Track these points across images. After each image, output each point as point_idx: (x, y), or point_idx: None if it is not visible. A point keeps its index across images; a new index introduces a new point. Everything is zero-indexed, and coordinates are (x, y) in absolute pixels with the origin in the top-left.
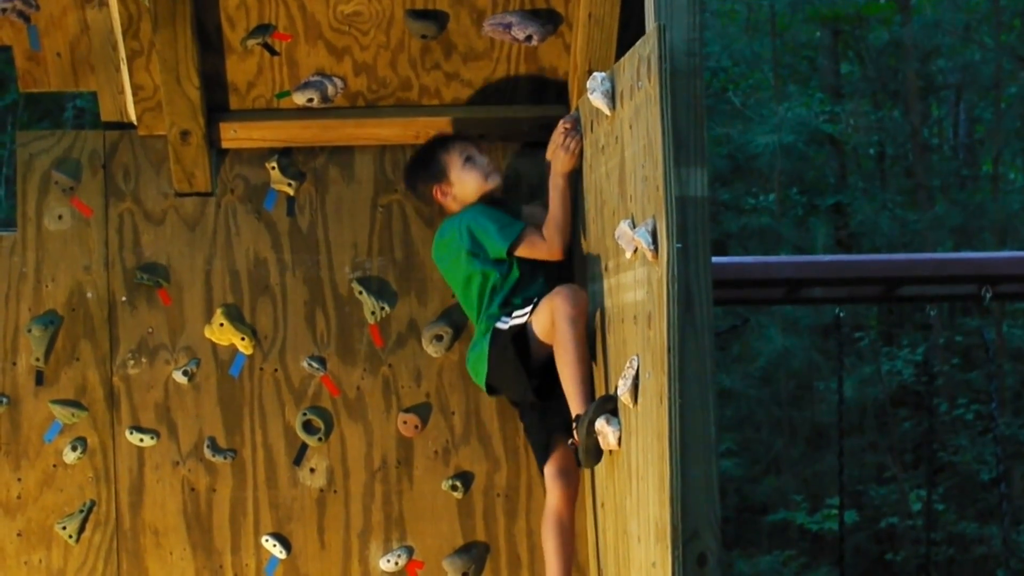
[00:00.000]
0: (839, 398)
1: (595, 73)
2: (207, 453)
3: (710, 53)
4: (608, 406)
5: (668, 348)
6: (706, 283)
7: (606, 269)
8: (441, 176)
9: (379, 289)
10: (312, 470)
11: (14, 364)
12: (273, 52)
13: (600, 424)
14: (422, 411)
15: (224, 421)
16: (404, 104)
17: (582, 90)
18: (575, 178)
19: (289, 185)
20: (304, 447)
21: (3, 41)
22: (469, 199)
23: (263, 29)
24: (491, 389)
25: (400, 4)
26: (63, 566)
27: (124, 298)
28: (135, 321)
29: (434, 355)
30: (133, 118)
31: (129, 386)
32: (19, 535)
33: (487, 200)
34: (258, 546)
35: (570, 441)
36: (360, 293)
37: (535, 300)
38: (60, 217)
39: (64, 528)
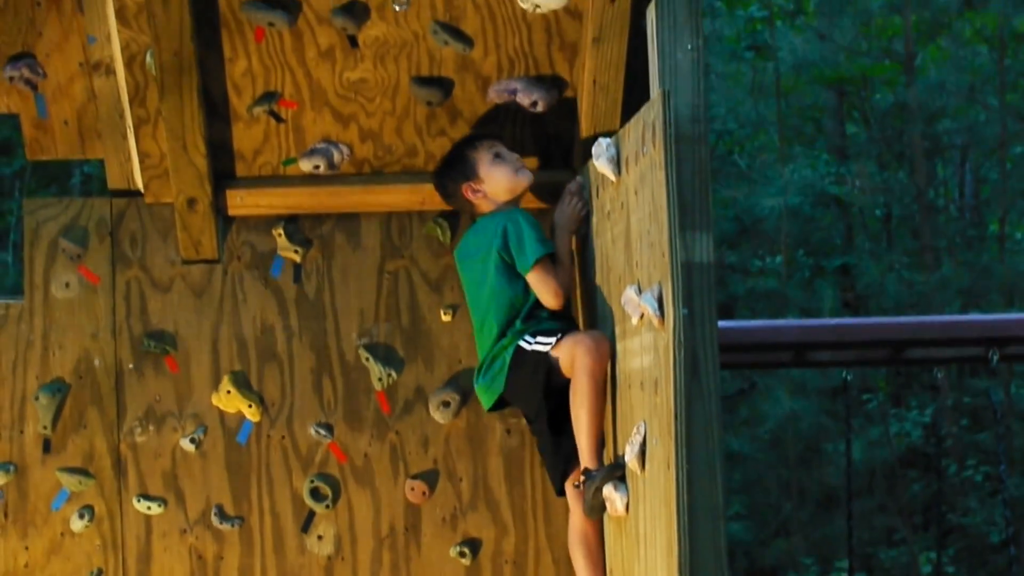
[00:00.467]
0: (847, 460)
1: (600, 139)
2: (214, 521)
3: (715, 115)
4: (616, 473)
5: (675, 415)
6: (712, 348)
7: (613, 335)
8: (471, 173)
9: (386, 355)
10: (320, 537)
11: (21, 432)
12: (279, 119)
13: (608, 490)
14: (430, 477)
15: (231, 488)
16: (410, 171)
17: (587, 155)
18: (580, 240)
19: (296, 252)
20: (312, 514)
21: (11, 109)
22: (501, 197)
23: (269, 96)
24: (499, 403)
25: (405, 71)
26: None
27: (131, 365)
28: (142, 388)
29: (441, 421)
30: (140, 186)
31: (136, 454)
32: None
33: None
34: None
35: (576, 483)
36: (367, 359)
37: (559, 330)
38: (67, 285)
39: None
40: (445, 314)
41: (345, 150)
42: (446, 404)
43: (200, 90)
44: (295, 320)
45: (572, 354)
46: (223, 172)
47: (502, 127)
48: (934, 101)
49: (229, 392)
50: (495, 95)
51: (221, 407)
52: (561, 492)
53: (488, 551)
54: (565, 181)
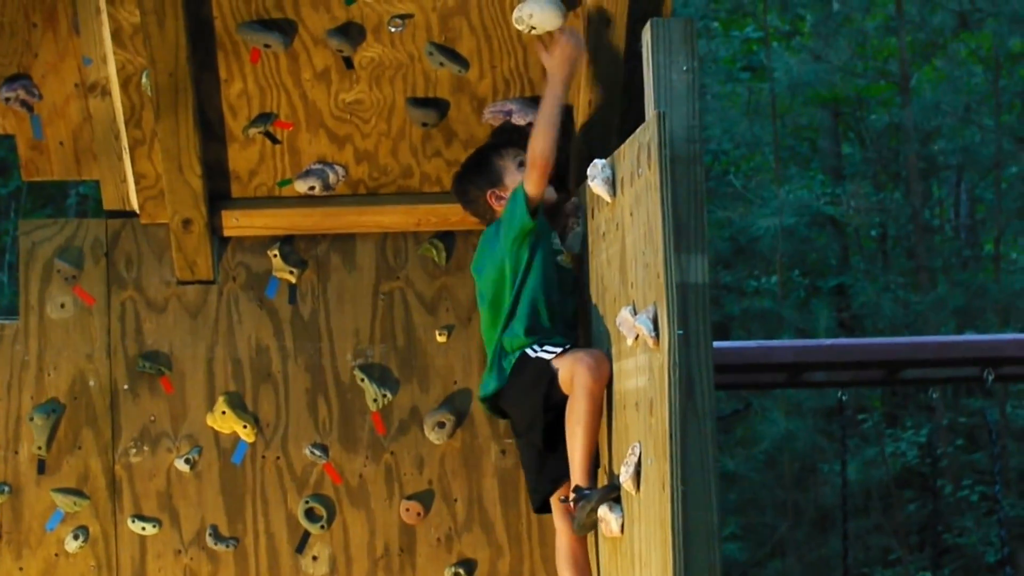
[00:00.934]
0: (843, 481)
1: (596, 160)
2: (209, 541)
3: (711, 136)
4: (612, 495)
5: (670, 435)
6: (707, 369)
7: (608, 356)
8: (496, 181)
9: (381, 376)
10: (315, 558)
11: (16, 453)
12: (275, 140)
13: (603, 511)
14: (425, 498)
15: (226, 509)
16: (405, 192)
17: (583, 176)
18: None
19: (291, 273)
20: (306, 535)
21: (6, 130)
22: None
23: (265, 118)
24: (493, 408)
25: (401, 92)
26: None
27: (126, 386)
28: (137, 409)
29: (436, 442)
30: (135, 206)
31: (131, 474)
32: None
33: None
34: None
35: (564, 498)
36: (362, 380)
37: (565, 342)
38: (62, 305)
39: None
40: (440, 335)
41: (340, 171)
42: (441, 425)
43: (196, 111)
44: (290, 341)
45: (572, 371)
46: (218, 193)
47: None
48: (929, 121)
49: (224, 413)
50: (490, 116)
51: (216, 428)
52: (540, 510)
53: (483, 572)
54: (561, 202)
